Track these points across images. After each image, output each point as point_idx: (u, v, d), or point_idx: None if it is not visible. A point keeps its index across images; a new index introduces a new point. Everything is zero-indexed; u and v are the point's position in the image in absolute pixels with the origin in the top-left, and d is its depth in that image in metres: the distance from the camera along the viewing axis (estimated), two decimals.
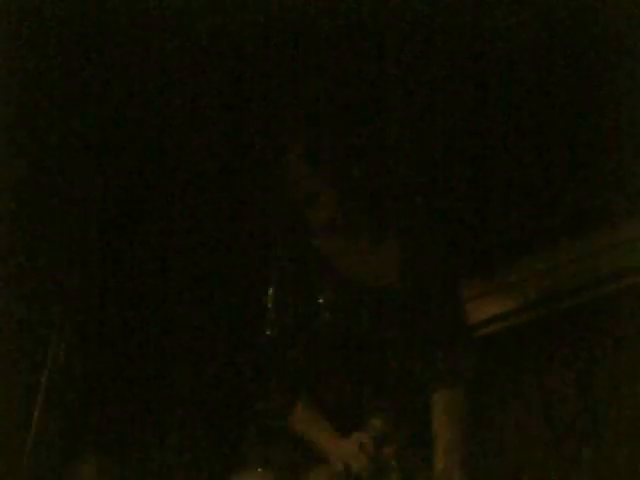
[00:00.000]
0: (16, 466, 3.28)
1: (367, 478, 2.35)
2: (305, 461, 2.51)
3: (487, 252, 3.55)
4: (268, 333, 2.47)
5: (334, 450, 2.42)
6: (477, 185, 3.47)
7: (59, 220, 3.84)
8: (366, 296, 2.54)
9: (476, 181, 3.47)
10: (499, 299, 3.47)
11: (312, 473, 2.48)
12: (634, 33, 3.13)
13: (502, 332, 3.44)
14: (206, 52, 3.43)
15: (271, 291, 2.53)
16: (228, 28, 3.31)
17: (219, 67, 3.47)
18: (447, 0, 3.31)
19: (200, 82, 3.52)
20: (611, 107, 3.20)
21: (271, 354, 2.52)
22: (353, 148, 2.61)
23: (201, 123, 3.62)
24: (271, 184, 2.66)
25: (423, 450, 2.47)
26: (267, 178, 2.68)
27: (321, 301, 2.48)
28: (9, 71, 3.27)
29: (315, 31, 3.31)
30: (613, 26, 3.19)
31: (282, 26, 3.33)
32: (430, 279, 2.59)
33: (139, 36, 3.40)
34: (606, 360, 3.27)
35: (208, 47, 3.41)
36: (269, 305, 2.51)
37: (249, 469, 2.52)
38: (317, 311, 2.49)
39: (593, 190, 3.34)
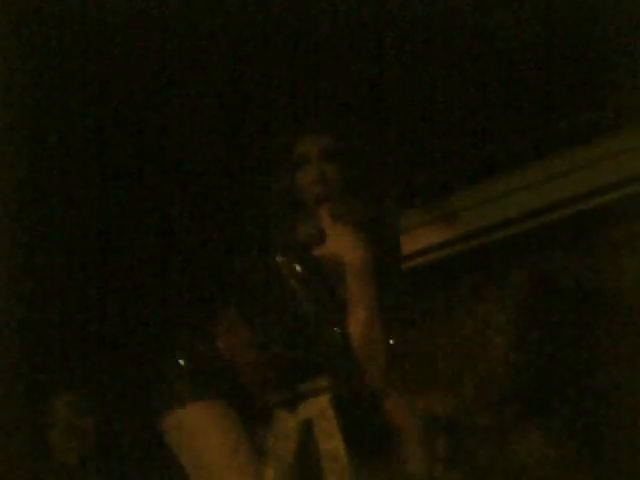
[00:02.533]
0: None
1: None
2: None
3: (425, 183, 3.62)
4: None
5: None
6: (422, 113, 3.48)
7: (59, 220, 3.84)
8: None
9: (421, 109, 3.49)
10: (435, 230, 3.60)
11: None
12: None
13: (437, 262, 3.60)
14: (206, 49, 3.43)
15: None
16: (228, 23, 3.31)
17: (219, 65, 3.47)
18: None
19: (199, 82, 3.52)
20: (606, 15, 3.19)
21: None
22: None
23: (201, 122, 3.62)
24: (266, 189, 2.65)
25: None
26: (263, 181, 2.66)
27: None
28: (9, 71, 3.27)
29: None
30: None
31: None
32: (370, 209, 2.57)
33: (139, 36, 3.40)
34: (539, 289, 3.42)
35: (208, 44, 3.40)
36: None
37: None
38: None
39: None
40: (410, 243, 3.36)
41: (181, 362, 2.50)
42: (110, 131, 3.72)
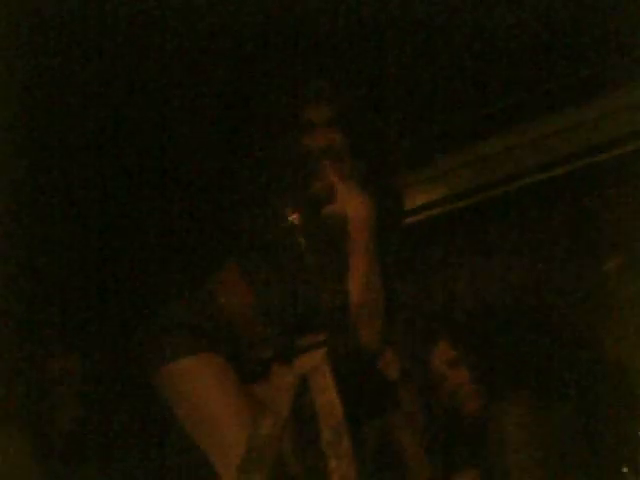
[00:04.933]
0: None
1: None
2: None
3: (418, 144, 3.69)
4: None
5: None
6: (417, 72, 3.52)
7: (59, 220, 3.85)
8: None
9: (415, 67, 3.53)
10: (427, 189, 3.71)
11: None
12: None
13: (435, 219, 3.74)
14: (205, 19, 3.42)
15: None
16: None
17: (220, 34, 3.46)
18: None
19: (201, 51, 3.51)
20: None
21: None
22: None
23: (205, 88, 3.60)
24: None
25: None
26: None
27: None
28: (9, 71, 3.27)
29: None
30: None
31: None
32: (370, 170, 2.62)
33: (139, 36, 3.40)
34: (530, 244, 3.57)
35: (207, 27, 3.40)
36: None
37: None
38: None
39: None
40: (410, 201, 3.43)
41: (180, 315, 2.52)
42: (110, 130, 3.73)
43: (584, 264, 3.47)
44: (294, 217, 2.35)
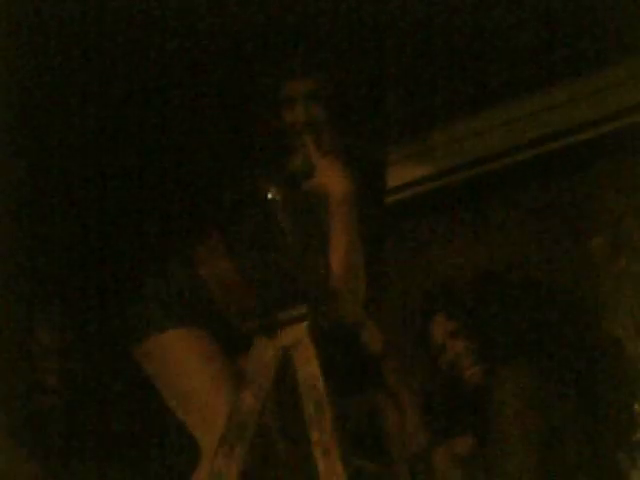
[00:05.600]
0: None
1: None
2: None
3: (409, 118, 3.70)
4: None
5: None
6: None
7: (59, 220, 3.85)
8: None
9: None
10: (416, 165, 3.74)
11: None
12: None
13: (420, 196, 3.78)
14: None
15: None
16: None
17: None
18: None
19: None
20: None
21: None
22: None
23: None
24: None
25: None
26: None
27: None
28: (9, 71, 3.27)
29: None
30: None
31: None
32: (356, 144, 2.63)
33: (139, 36, 3.40)
34: (517, 220, 3.62)
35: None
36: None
37: None
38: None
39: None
40: (393, 177, 3.44)
41: (161, 288, 2.53)
42: (110, 131, 3.73)
43: (570, 241, 3.51)
44: (273, 191, 2.36)
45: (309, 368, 2.26)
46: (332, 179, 2.46)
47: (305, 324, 2.28)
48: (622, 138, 3.42)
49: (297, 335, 2.29)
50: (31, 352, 3.51)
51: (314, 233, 2.40)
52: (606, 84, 3.47)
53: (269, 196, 2.35)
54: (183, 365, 2.47)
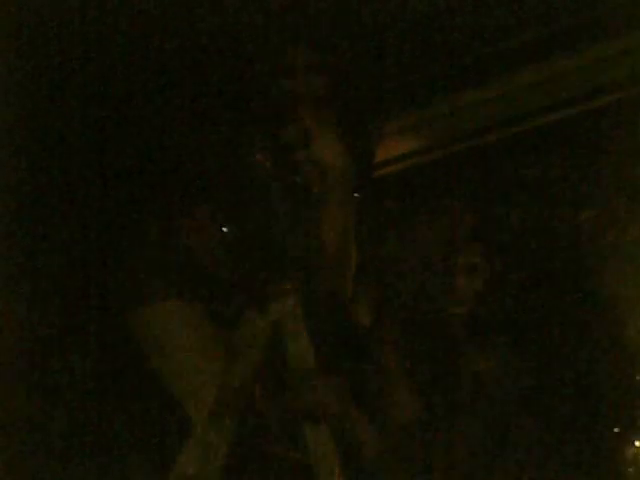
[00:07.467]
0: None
1: None
2: None
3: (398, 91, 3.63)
4: None
5: None
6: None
7: (59, 220, 3.84)
8: None
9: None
10: (405, 139, 3.65)
11: None
12: None
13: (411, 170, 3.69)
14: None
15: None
16: None
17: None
18: None
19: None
20: None
21: None
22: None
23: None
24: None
25: None
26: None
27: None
28: (9, 71, 3.27)
29: None
30: None
31: None
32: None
33: (139, 36, 3.40)
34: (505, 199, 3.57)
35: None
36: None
37: None
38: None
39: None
40: (384, 151, 3.42)
41: (152, 260, 2.53)
42: (110, 131, 3.72)
43: (559, 215, 3.50)
44: (261, 156, 2.35)
45: (299, 342, 2.27)
46: (328, 153, 2.45)
47: (295, 297, 2.29)
48: (613, 112, 3.43)
49: (287, 308, 2.30)
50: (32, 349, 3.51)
51: (306, 205, 2.40)
52: (601, 57, 3.47)
53: (258, 163, 2.34)
54: (176, 336, 2.48)
